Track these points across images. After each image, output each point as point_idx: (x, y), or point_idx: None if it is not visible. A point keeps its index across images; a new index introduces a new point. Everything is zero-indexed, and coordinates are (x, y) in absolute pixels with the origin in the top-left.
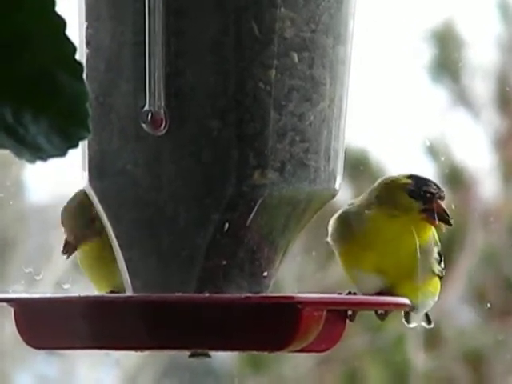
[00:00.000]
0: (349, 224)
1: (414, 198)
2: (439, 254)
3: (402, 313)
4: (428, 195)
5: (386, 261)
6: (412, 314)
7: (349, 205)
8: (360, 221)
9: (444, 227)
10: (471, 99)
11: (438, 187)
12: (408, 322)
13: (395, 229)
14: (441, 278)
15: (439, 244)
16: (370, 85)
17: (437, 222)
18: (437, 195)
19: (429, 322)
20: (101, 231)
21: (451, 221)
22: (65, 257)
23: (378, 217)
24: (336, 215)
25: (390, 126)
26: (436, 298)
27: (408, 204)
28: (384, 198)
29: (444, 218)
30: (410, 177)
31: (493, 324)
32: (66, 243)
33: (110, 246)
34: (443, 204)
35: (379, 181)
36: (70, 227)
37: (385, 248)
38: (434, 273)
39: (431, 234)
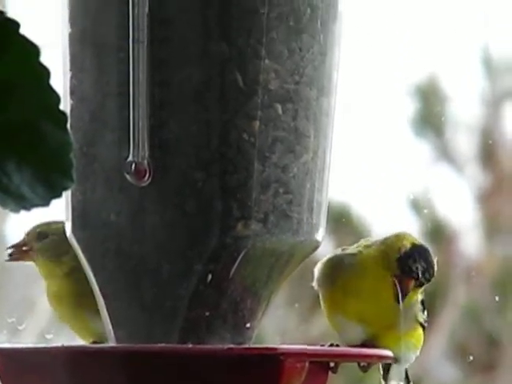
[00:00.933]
0: (337, 267)
1: (398, 263)
2: (422, 302)
3: (380, 371)
4: (407, 269)
5: (368, 309)
6: (390, 372)
7: (342, 249)
8: (349, 263)
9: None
10: (454, 154)
11: (425, 269)
12: (385, 380)
13: (375, 277)
14: (424, 328)
15: (422, 293)
16: (353, 138)
17: (398, 296)
18: (413, 275)
19: (408, 381)
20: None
21: (402, 301)
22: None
23: (367, 259)
24: (324, 259)
25: (373, 180)
26: (418, 352)
27: (392, 263)
28: (384, 245)
29: (401, 296)
30: (413, 245)
31: (475, 378)
32: (13, 246)
33: (81, 290)
34: (410, 286)
35: (393, 233)
36: (28, 234)
37: (366, 294)
38: (417, 322)
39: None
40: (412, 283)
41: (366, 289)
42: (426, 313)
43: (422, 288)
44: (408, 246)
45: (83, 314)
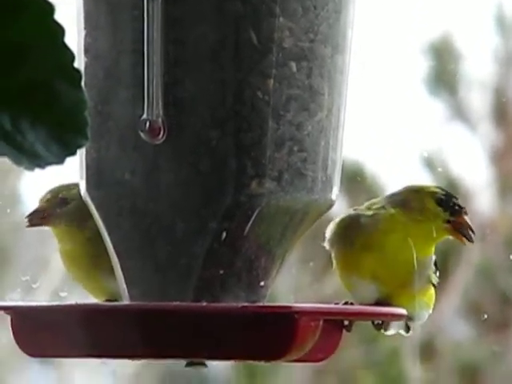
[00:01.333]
0: (353, 227)
1: (442, 207)
2: (435, 263)
3: (380, 321)
4: (456, 207)
5: (383, 267)
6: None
7: (353, 209)
8: (368, 224)
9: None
10: (468, 112)
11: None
12: (386, 329)
13: (396, 237)
14: (435, 287)
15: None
16: (366, 97)
17: (466, 236)
18: (464, 210)
19: (407, 329)
20: (83, 228)
21: (473, 238)
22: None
23: (394, 218)
24: (337, 219)
25: (386, 139)
26: (430, 310)
27: (435, 211)
28: (410, 202)
29: (468, 234)
30: (439, 188)
31: (488, 337)
32: (34, 212)
33: (97, 251)
34: (468, 222)
35: (403, 187)
36: (43, 199)
37: (383, 254)
38: (430, 282)
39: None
40: (465, 218)
41: (382, 247)
42: (437, 273)
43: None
44: (435, 189)
45: (98, 274)
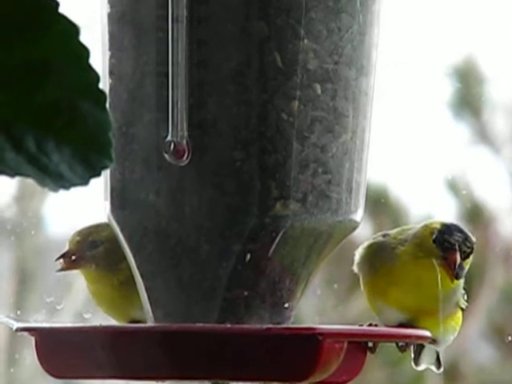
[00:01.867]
0: (379, 255)
1: (436, 244)
2: (464, 287)
3: (412, 354)
4: (446, 244)
5: (409, 298)
6: (422, 355)
7: (383, 236)
8: (391, 254)
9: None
10: (492, 135)
11: (464, 238)
12: (416, 364)
13: (418, 269)
14: (462, 310)
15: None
16: (391, 120)
17: (452, 273)
18: (454, 246)
19: (439, 363)
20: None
21: (460, 275)
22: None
23: (406, 255)
24: (366, 244)
25: (411, 161)
26: (456, 334)
27: (430, 248)
28: (416, 238)
29: (453, 271)
30: (443, 224)
31: None
32: (64, 254)
33: (130, 292)
34: (457, 258)
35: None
36: (72, 241)
37: (408, 286)
38: (458, 306)
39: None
40: (457, 255)
41: (407, 279)
42: (465, 297)
43: (469, 259)
44: (438, 226)
45: (131, 311)
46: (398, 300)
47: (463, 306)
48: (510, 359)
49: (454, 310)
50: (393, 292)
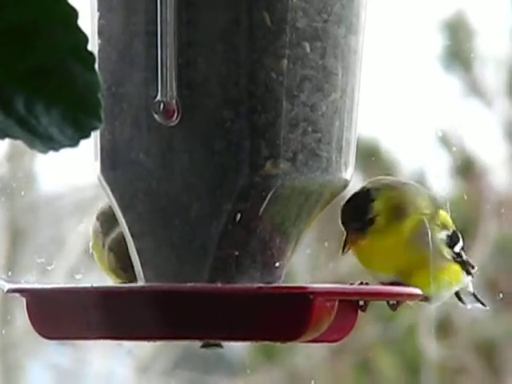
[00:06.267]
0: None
1: None
2: (449, 237)
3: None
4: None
5: (388, 261)
6: (461, 296)
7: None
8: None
9: None
10: (483, 89)
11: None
12: (464, 303)
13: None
14: (462, 264)
15: (451, 228)
16: (381, 75)
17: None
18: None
19: (481, 303)
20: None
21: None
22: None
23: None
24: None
25: (401, 116)
26: (454, 288)
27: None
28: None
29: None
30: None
31: (505, 314)
32: None
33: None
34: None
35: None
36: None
37: (383, 249)
38: (445, 258)
39: (421, 219)
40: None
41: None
42: (457, 248)
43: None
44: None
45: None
46: (379, 264)
47: (449, 257)
48: (502, 313)
49: (443, 262)
50: (372, 257)
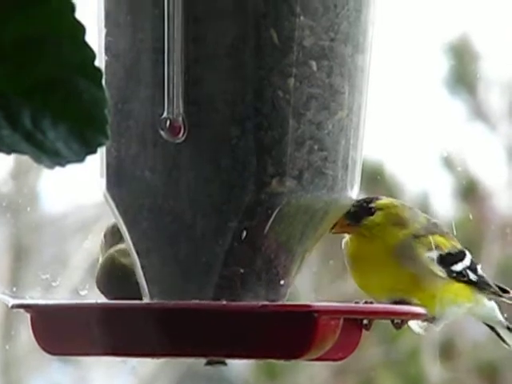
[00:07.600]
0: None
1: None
2: (442, 256)
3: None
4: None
5: (377, 281)
6: (502, 336)
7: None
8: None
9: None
10: (488, 112)
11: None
12: (507, 344)
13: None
14: (474, 284)
15: (447, 249)
16: (387, 97)
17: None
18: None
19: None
20: None
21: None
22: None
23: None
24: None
25: (406, 138)
26: (461, 307)
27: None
28: None
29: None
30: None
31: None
32: None
33: None
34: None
35: None
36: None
37: (368, 271)
38: (437, 275)
39: (402, 234)
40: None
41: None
42: (459, 267)
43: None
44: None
45: None
46: (374, 289)
47: (441, 274)
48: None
49: (438, 282)
50: (364, 281)
